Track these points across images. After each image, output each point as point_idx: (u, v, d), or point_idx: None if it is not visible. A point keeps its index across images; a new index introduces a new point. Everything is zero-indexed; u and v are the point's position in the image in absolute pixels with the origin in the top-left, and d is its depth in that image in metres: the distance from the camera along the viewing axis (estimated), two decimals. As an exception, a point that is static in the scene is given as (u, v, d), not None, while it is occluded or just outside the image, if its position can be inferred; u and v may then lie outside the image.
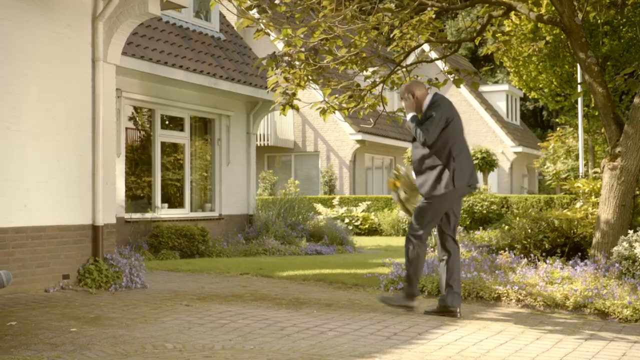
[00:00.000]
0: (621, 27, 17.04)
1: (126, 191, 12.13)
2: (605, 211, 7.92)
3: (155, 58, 11.77)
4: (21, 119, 7.24)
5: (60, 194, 7.64)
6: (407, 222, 20.95)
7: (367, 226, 21.07)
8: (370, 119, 11.45)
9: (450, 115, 6.36)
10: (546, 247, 8.50)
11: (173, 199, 13.35)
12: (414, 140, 6.53)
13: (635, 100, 7.94)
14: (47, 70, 7.52)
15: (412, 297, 6.48)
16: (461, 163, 6.32)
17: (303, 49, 7.72)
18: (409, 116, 6.49)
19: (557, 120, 24.38)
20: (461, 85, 33.38)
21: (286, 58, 7.86)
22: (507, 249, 8.80)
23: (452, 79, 9.20)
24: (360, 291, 7.91)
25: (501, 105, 33.38)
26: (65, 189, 7.70)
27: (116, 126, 9.60)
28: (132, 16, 8.04)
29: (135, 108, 12.61)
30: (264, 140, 25.86)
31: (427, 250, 6.52)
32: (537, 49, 13.85)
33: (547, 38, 17.01)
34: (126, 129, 12.27)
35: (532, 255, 8.38)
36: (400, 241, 17.68)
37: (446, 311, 6.35)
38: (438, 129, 6.27)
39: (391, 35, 9.35)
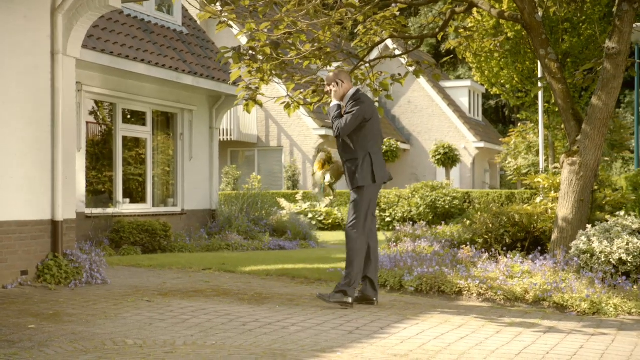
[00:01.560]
0: (581, 25, 17.29)
1: (87, 186, 11.98)
2: (565, 206, 8.03)
3: (116, 51, 11.63)
4: (-22, 112, 7.10)
5: (18, 189, 7.51)
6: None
7: (330, 221, 21.11)
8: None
9: (369, 113, 6.53)
10: (507, 241, 8.60)
11: (135, 194, 13.22)
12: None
13: (593, 99, 8.06)
14: (3, 62, 7.38)
15: (349, 296, 6.51)
16: (377, 159, 6.54)
17: (268, 42, 7.69)
18: (333, 104, 6.64)
19: (518, 116, 24.65)
20: (424, 81, 33.32)
21: (250, 52, 7.82)
22: (468, 243, 8.88)
23: (412, 71, 9.25)
24: (323, 286, 7.92)
25: (463, 101, 33.65)
26: (24, 184, 7.57)
27: (76, 120, 9.47)
28: (92, 9, 7.93)
29: (96, 102, 12.45)
30: (227, 135, 25.73)
31: (365, 249, 6.57)
32: (498, 44, 13.97)
33: (509, 34, 17.19)
34: (87, 123, 12.11)
35: (493, 249, 8.47)
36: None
37: (365, 300, 6.64)
38: (355, 125, 6.46)
39: (355, 31, 9.37)
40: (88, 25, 8.13)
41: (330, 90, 6.69)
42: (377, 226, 6.74)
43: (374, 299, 6.65)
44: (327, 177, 6.96)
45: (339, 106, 6.61)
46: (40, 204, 7.75)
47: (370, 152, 6.50)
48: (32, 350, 4.59)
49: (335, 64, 10.17)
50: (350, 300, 6.46)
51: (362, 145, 6.49)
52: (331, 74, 6.74)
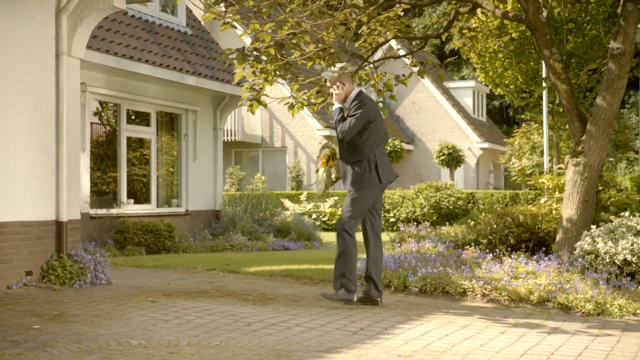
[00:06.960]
0: (585, 25, 17.27)
1: (91, 186, 12.00)
2: (569, 207, 8.02)
3: (121, 52, 11.65)
4: (-17, 113, 7.11)
5: (23, 189, 7.52)
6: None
7: (334, 222, 21.11)
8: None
9: (373, 114, 6.51)
10: (511, 242, 8.59)
11: (139, 194, 13.23)
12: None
13: (597, 99, 8.05)
14: (9, 63, 7.39)
15: (351, 291, 6.53)
16: (382, 159, 6.53)
17: (272, 43, 7.69)
18: (336, 107, 6.61)
19: (522, 116, 24.63)
20: (429, 82, 33.27)
21: (254, 53, 7.82)
22: (472, 244, 8.87)
23: (416, 71, 9.25)
24: (327, 286, 7.91)
25: (467, 102, 33.62)
26: (28, 185, 7.58)
27: (81, 121, 9.49)
28: (97, 9, 7.93)
29: (101, 103, 12.47)
30: (231, 135, 25.75)
31: (356, 244, 6.58)
32: (502, 45, 13.96)
33: (513, 35, 17.17)
34: (91, 123, 12.13)
35: (497, 250, 8.46)
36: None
37: (369, 301, 6.65)
38: (359, 128, 6.44)
39: (359, 32, 9.37)
40: (92, 26, 8.14)
41: (332, 92, 6.67)
42: (381, 227, 6.76)
43: (378, 299, 6.64)
44: (333, 173, 6.96)
45: (341, 109, 6.57)
46: (45, 204, 7.76)
47: (375, 153, 6.49)
48: (36, 351, 4.60)
49: (339, 65, 10.18)
50: (354, 297, 6.46)
51: (367, 146, 6.48)
52: (334, 74, 6.73)
